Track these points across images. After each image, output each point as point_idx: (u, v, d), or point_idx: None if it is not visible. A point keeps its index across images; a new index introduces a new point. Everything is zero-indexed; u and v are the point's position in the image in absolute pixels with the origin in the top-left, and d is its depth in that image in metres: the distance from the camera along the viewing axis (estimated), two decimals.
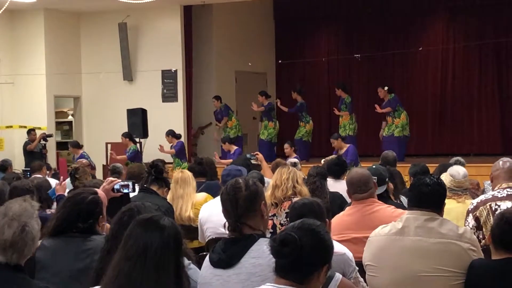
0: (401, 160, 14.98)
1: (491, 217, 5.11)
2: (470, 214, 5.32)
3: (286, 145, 13.89)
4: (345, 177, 6.33)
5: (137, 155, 15.22)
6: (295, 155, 13.64)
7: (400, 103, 15.78)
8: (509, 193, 5.28)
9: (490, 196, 5.33)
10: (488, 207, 5.22)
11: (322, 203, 4.25)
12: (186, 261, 3.75)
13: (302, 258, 2.83)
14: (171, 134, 15.41)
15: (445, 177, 6.05)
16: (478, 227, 5.23)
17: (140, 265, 2.69)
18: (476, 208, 5.30)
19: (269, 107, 17.07)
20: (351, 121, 16.38)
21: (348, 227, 5.11)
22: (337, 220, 5.24)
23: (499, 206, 5.19)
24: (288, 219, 5.85)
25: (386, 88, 15.79)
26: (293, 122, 17.62)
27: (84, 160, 11.96)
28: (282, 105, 17.13)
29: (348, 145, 13.68)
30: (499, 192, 5.33)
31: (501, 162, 5.58)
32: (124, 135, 15.46)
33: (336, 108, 16.66)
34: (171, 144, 15.34)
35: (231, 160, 13.24)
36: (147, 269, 2.68)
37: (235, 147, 14.42)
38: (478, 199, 5.40)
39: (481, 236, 5.15)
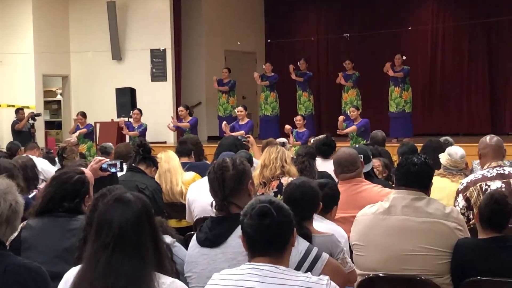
0: (411, 136, 15.06)
1: (481, 197, 5.10)
2: (460, 194, 5.33)
3: (299, 117, 13.84)
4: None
5: (145, 132, 15.20)
6: (305, 129, 13.61)
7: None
8: (498, 172, 5.30)
9: (480, 176, 5.34)
10: (478, 187, 5.24)
11: (316, 185, 4.23)
12: (171, 239, 3.75)
13: (280, 225, 2.86)
14: (188, 108, 15.17)
15: (442, 156, 6.08)
16: (469, 207, 5.25)
17: (119, 252, 2.66)
18: (466, 188, 5.31)
19: (275, 80, 17.01)
20: (358, 97, 16.34)
21: None
22: None
23: (489, 186, 5.21)
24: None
25: (404, 57, 15.79)
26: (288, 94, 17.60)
27: (72, 140, 11.89)
28: (296, 77, 16.92)
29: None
30: (488, 171, 5.34)
31: (488, 138, 5.58)
32: (137, 109, 15.36)
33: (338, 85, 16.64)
34: (181, 118, 14.96)
35: (242, 132, 13.21)
36: (128, 252, 2.66)
37: (248, 119, 14.26)
38: (467, 179, 5.41)
39: (471, 216, 5.17)
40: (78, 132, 14.97)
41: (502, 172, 5.29)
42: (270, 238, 2.85)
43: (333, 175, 6.25)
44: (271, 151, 6.25)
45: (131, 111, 15.49)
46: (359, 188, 5.29)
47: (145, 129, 15.19)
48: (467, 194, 5.27)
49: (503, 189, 5.13)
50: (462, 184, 5.40)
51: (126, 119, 15.69)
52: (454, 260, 4.05)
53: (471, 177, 5.44)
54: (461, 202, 5.29)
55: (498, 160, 5.41)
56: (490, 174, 5.31)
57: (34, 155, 9.20)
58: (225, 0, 18.88)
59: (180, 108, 14.95)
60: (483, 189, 5.22)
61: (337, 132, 13.62)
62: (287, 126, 13.38)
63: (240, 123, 13.90)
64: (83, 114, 15.38)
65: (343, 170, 5.39)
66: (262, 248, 2.87)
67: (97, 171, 4.72)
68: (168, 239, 3.69)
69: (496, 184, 5.20)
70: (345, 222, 4.77)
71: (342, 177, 5.39)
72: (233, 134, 13.23)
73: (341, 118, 13.54)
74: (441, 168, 6.06)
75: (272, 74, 16.93)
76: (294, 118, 13.86)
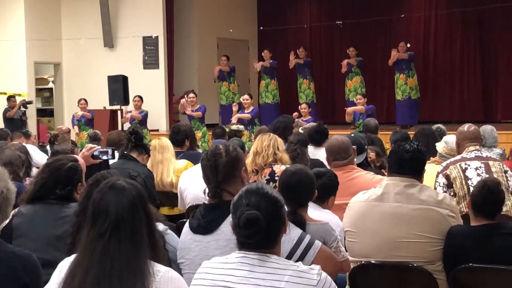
0: (415, 124, 15.03)
1: (462, 174, 5.32)
2: (440, 174, 5.47)
3: (304, 105, 13.85)
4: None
5: (147, 117, 15.22)
6: (310, 117, 13.58)
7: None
8: (476, 154, 5.47)
9: (459, 157, 5.51)
10: (458, 166, 5.43)
11: (312, 173, 4.22)
12: (163, 226, 3.74)
13: (269, 228, 2.79)
14: (196, 95, 14.87)
15: (439, 144, 6.23)
16: (449, 185, 5.37)
17: (115, 240, 2.65)
18: (445, 168, 5.48)
19: (274, 66, 16.95)
20: (362, 84, 16.32)
21: None
22: None
23: (468, 165, 5.39)
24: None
25: (409, 45, 15.82)
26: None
27: (64, 127, 11.87)
28: (297, 59, 16.90)
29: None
30: (467, 154, 5.51)
31: (466, 127, 5.78)
32: (138, 96, 15.25)
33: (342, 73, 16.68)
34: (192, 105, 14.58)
35: (249, 116, 13.24)
36: (124, 239, 2.66)
37: (253, 107, 14.21)
38: (447, 161, 5.60)
39: (452, 194, 5.27)
40: (81, 113, 15.01)
41: (480, 155, 5.47)
42: (261, 240, 2.81)
43: (325, 162, 6.26)
44: (263, 139, 6.24)
45: (133, 98, 15.36)
46: (351, 175, 5.30)
47: (146, 114, 15.16)
48: (447, 172, 5.41)
49: (482, 168, 5.31)
50: (442, 165, 5.57)
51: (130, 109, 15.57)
52: (446, 247, 4.06)
53: (450, 159, 5.61)
54: (441, 180, 5.42)
55: (476, 145, 5.57)
56: (469, 156, 5.47)
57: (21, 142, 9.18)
58: None
59: (192, 95, 14.50)
60: (463, 167, 5.36)
61: (346, 120, 13.75)
62: (296, 114, 13.44)
63: (246, 111, 13.85)
64: (86, 100, 15.37)
65: (336, 157, 5.40)
66: (252, 247, 2.84)
67: (89, 159, 4.71)
68: (160, 226, 3.68)
69: (475, 164, 5.36)
70: (338, 209, 4.76)
71: (334, 165, 5.40)
72: (240, 116, 13.28)
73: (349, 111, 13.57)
74: (436, 156, 6.16)
75: (271, 61, 16.92)
76: (299, 106, 13.90)
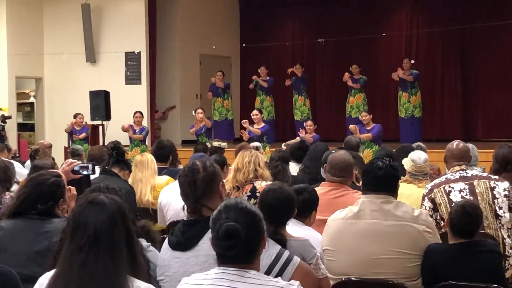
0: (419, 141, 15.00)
1: (446, 198, 5.27)
2: (426, 198, 5.42)
3: (309, 122, 13.82)
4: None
5: (147, 136, 15.20)
6: (314, 134, 13.50)
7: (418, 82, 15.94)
8: (461, 175, 5.41)
9: (444, 179, 5.45)
10: (442, 189, 5.34)
11: (292, 190, 4.23)
12: (146, 243, 3.74)
13: (248, 241, 2.80)
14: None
15: (406, 162, 6.17)
16: (435, 208, 5.33)
17: (93, 254, 2.66)
18: (430, 191, 5.41)
19: (271, 84, 16.99)
20: (364, 101, 16.34)
21: None
22: None
23: (452, 188, 5.31)
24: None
25: (413, 61, 15.86)
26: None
27: (45, 142, 11.83)
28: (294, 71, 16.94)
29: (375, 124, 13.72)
30: (452, 175, 5.45)
31: (455, 143, 5.71)
32: (139, 112, 15.17)
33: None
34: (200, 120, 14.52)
35: (259, 131, 13.17)
36: (103, 254, 2.66)
37: (263, 123, 14.14)
38: (432, 183, 5.52)
39: (438, 218, 5.25)
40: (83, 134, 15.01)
41: (464, 175, 5.40)
42: (239, 253, 2.81)
43: None
44: (245, 155, 6.26)
45: (133, 114, 15.24)
46: (338, 192, 5.27)
47: (147, 133, 15.17)
48: (432, 196, 5.36)
49: (466, 190, 5.26)
50: (427, 188, 5.50)
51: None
52: (424, 263, 4.09)
53: (435, 181, 5.53)
54: (427, 204, 5.38)
55: (462, 165, 5.51)
56: (453, 177, 5.42)
57: (3, 157, 9.13)
58: (200, 4, 18.87)
59: (200, 110, 14.53)
60: (447, 190, 5.32)
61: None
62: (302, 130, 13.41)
63: (256, 127, 13.71)
64: (83, 115, 15.32)
65: (330, 171, 5.40)
66: (231, 261, 2.84)
67: (69, 174, 4.69)
68: (143, 243, 3.68)
69: (459, 186, 5.31)
70: (322, 225, 4.76)
71: (328, 178, 5.41)
72: (251, 128, 13.19)
73: (353, 127, 13.43)
74: (406, 175, 6.12)
75: (268, 77, 16.95)
76: (305, 123, 13.90)
